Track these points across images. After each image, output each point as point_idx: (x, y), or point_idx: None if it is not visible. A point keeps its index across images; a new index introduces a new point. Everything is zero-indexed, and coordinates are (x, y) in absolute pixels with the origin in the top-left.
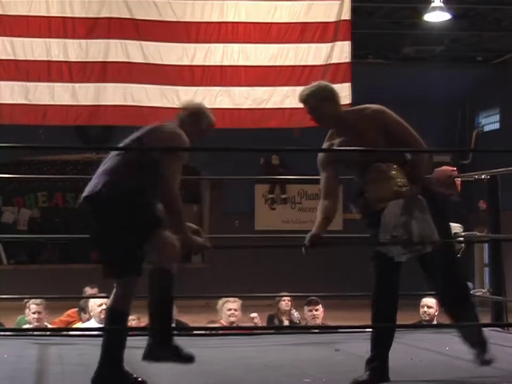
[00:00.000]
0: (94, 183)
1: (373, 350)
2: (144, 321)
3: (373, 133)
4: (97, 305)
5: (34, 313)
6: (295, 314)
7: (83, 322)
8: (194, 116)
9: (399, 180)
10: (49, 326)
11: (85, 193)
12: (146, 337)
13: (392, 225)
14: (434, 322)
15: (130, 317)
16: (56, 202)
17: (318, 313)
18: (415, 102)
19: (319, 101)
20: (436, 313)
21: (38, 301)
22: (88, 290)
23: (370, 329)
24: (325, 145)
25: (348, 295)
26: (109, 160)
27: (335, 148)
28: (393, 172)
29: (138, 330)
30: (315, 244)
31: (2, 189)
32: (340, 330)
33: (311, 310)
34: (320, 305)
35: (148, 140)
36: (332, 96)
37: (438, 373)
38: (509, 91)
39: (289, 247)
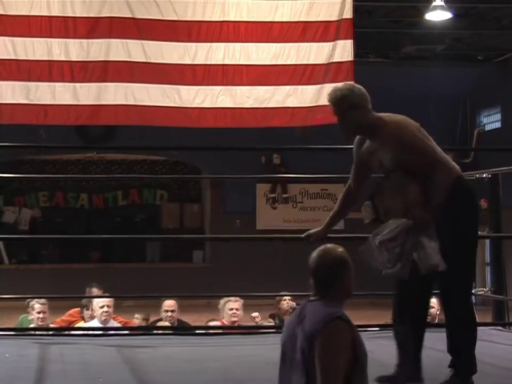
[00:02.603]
0: None
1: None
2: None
3: (393, 145)
4: (99, 306)
5: (39, 312)
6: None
7: (85, 320)
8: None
9: (412, 196)
10: (51, 325)
11: None
12: (150, 337)
13: (386, 234)
14: (436, 321)
15: (137, 316)
16: (57, 202)
17: None
18: (416, 101)
19: (348, 108)
20: (438, 312)
21: (42, 300)
22: (96, 291)
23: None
24: (355, 147)
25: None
26: None
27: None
28: (410, 187)
29: (141, 330)
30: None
31: (3, 188)
32: None
33: None
34: None
35: None
36: (362, 103)
37: (439, 371)
38: (510, 90)
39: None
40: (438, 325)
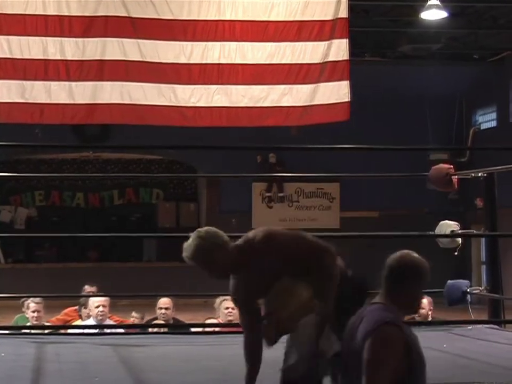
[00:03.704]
0: None
1: None
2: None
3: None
4: (95, 306)
5: (33, 311)
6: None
7: (83, 319)
8: None
9: (306, 293)
10: (47, 324)
11: None
12: (146, 336)
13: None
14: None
15: (134, 314)
16: (53, 201)
17: None
18: (412, 100)
19: (207, 254)
20: (430, 313)
21: (37, 299)
22: (88, 289)
23: None
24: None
25: None
26: None
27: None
28: (300, 286)
29: (138, 329)
30: None
31: None
32: None
33: None
34: None
35: None
36: (218, 241)
37: (437, 371)
38: (505, 88)
39: None
40: (430, 323)
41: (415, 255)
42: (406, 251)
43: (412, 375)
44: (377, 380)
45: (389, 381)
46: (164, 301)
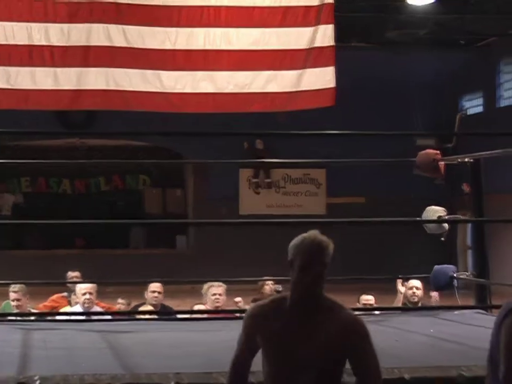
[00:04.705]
0: None
1: None
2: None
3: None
4: (82, 293)
5: (13, 300)
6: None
7: (72, 305)
8: None
9: None
10: (33, 311)
11: None
12: (133, 322)
13: None
14: (419, 305)
15: (120, 301)
16: (40, 188)
17: None
18: (399, 85)
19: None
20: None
21: (16, 288)
22: (70, 274)
23: None
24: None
25: (336, 279)
26: None
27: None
28: None
29: (125, 315)
30: None
31: None
32: None
33: None
34: None
35: None
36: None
37: (423, 354)
38: (492, 74)
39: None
40: (420, 308)
41: None
42: None
43: None
44: None
45: None
46: (155, 285)
